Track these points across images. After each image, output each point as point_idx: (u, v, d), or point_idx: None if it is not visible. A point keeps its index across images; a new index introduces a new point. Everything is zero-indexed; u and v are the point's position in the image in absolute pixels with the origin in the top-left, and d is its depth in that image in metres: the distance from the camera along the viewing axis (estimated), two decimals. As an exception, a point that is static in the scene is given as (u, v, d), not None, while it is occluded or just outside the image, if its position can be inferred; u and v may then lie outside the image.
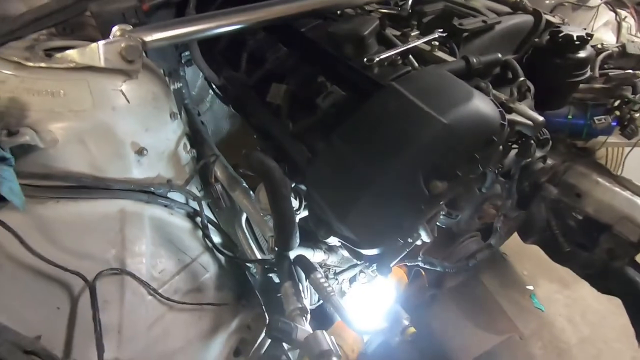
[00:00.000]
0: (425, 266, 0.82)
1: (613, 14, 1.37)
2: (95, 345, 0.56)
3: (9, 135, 0.58)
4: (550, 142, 0.91)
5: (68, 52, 0.67)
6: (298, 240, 0.70)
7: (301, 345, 0.54)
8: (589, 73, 0.97)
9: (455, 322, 1.95)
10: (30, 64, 0.63)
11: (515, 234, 1.81)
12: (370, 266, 0.72)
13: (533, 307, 2.23)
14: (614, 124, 1.19)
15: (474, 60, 0.78)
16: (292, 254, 0.75)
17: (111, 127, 0.67)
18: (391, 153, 0.64)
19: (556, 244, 1.41)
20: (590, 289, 1.79)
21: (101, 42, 0.66)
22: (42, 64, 0.63)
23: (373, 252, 0.69)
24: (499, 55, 0.81)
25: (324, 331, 0.54)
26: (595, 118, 1.17)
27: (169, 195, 0.79)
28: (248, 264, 0.88)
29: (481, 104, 0.67)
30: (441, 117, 0.63)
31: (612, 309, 2.11)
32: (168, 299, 0.67)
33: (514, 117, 0.72)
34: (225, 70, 1.06)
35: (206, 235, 0.82)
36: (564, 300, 2.29)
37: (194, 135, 0.99)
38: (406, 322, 0.61)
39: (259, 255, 0.93)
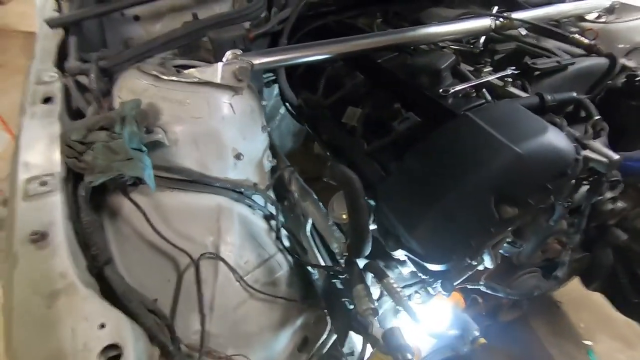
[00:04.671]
0: (487, 291, 0.83)
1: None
2: (198, 313, 0.66)
3: (147, 133, 0.72)
4: (622, 184, 0.90)
5: (192, 70, 0.81)
6: (370, 248, 0.76)
7: (376, 341, 0.59)
8: (666, 117, 0.96)
9: (500, 366, 1.83)
10: (165, 77, 0.77)
11: (575, 282, 1.70)
12: (435, 282, 0.75)
13: (590, 365, 2.05)
14: (694, 170, 1.14)
15: (548, 97, 0.82)
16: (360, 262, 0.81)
17: (219, 133, 0.79)
18: (464, 174, 0.69)
19: (622, 293, 1.33)
20: (660, 352, 1.61)
21: (220, 64, 0.80)
22: (174, 77, 0.78)
23: (439, 267, 0.73)
24: (574, 94, 0.84)
25: (400, 327, 0.59)
26: (672, 163, 1.13)
27: (253, 197, 0.89)
28: (311, 269, 0.95)
29: (555, 138, 0.70)
30: (515, 146, 0.67)
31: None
32: (250, 286, 0.75)
33: (588, 153, 0.74)
34: (303, 93, 1.18)
35: (279, 238, 0.90)
36: (626, 361, 2.08)
37: (270, 149, 1.11)
38: (476, 333, 0.64)
39: (322, 262, 1.00)
